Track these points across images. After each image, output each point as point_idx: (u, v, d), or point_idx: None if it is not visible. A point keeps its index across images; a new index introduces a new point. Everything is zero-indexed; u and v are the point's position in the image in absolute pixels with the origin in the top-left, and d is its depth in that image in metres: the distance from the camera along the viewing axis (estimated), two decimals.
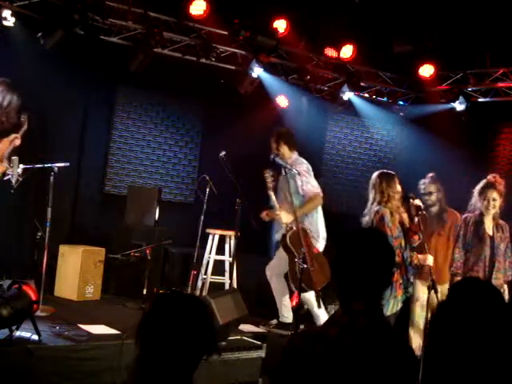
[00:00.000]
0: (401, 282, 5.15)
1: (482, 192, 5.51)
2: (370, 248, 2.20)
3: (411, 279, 5.25)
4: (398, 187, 5.21)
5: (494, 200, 5.46)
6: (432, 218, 5.83)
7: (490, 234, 5.51)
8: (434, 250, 5.65)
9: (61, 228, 7.11)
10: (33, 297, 4.81)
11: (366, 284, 2.15)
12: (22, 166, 5.91)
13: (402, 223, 5.20)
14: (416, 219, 5.16)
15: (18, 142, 6.13)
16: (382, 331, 2.13)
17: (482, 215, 5.51)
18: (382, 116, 9.02)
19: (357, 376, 2.02)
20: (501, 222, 5.57)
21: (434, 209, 5.89)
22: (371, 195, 5.22)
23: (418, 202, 5.21)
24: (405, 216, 5.22)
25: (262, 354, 5.44)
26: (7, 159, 6.04)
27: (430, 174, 5.96)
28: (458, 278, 5.39)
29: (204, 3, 6.93)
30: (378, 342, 2.08)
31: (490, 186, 5.49)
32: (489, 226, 5.52)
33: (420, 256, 5.18)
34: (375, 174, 5.29)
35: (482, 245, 5.48)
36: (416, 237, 5.18)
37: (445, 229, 5.87)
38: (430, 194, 5.85)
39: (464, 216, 5.60)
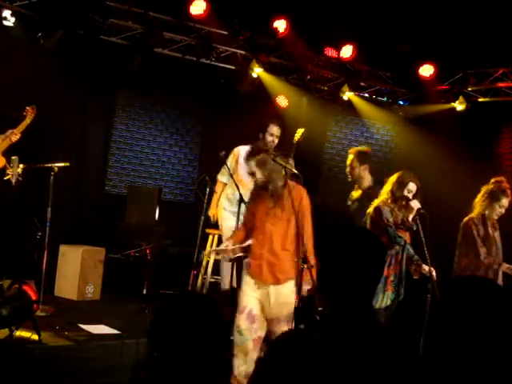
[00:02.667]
0: (392, 279, 5.19)
1: (497, 198, 5.46)
2: (357, 252, 2.11)
3: (403, 280, 5.28)
4: (410, 191, 5.24)
5: (505, 208, 5.47)
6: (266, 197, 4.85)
7: (491, 233, 5.53)
8: (269, 236, 4.64)
9: (61, 228, 7.11)
10: (33, 297, 4.81)
11: (354, 290, 2.12)
12: (21, 165, 5.90)
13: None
14: (410, 217, 5.17)
15: (15, 138, 6.04)
16: (370, 334, 2.11)
17: (483, 216, 5.51)
18: (382, 116, 9.01)
19: (338, 379, 2.00)
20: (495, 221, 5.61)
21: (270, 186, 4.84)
22: (382, 190, 5.32)
23: (415, 203, 5.20)
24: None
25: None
26: (5, 156, 6.01)
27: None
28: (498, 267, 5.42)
29: (204, 3, 6.94)
30: (364, 346, 2.06)
31: (504, 192, 5.46)
32: (489, 225, 5.54)
33: (425, 268, 5.16)
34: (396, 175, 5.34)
35: (491, 244, 5.51)
36: (402, 232, 5.20)
37: (283, 208, 4.74)
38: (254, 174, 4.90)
39: (471, 217, 5.57)
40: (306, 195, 4.73)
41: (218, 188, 6.47)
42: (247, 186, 6.47)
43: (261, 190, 4.69)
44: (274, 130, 6.32)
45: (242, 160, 6.41)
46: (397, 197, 5.24)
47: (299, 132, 6.45)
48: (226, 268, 6.37)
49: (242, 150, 6.36)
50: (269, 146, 6.24)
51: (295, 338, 2.12)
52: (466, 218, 5.57)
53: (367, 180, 6.02)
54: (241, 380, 4.43)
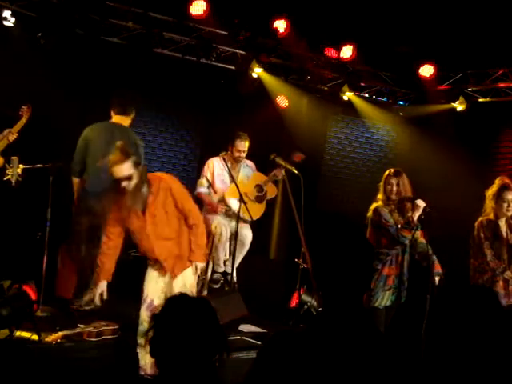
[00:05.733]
0: (393, 279, 5.21)
1: (500, 195, 5.48)
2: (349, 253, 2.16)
3: (405, 282, 5.30)
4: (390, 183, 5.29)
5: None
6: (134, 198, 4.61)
7: (504, 235, 5.53)
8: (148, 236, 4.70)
9: (61, 228, 7.11)
10: (33, 297, 4.82)
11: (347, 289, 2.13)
12: (21, 166, 5.90)
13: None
14: (416, 217, 5.17)
15: (12, 137, 6.04)
16: (361, 333, 2.10)
17: (497, 218, 5.51)
18: (382, 116, 9.01)
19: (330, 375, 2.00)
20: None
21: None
22: (378, 194, 5.37)
23: (420, 202, 5.22)
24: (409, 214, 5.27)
25: None
26: (3, 156, 6.02)
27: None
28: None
29: (204, 3, 6.94)
30: (354, 343, 2.05)
31: (507, 187, 5.48)
32: (503, 228, 5.54)
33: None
34: (385, 173, 5.40)
35: (501, 247, 5.50)
36: (406, 232, 5.20)
37: (154, 205, 4.62)
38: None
39: (480, 220, 5.57)
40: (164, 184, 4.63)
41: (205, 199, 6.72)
42: (222, 196, 6.63)
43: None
44: (241, 145, 6.68)
45: (216, 171, 6.75)
46: (386, 198, 5.29)
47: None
48: (222, 249, 6.61)
49: (215, 161, 6.58)
50: (238, 160, 6.52)
51: (288, 336, 2.12)
52: (477, 221, 5.58)
53: None
54: (147, 370, 4.51)
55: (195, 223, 4.70)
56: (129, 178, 4.42)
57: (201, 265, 4.75)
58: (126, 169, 4.40)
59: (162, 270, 4.78)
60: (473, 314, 1.91)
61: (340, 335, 2.07)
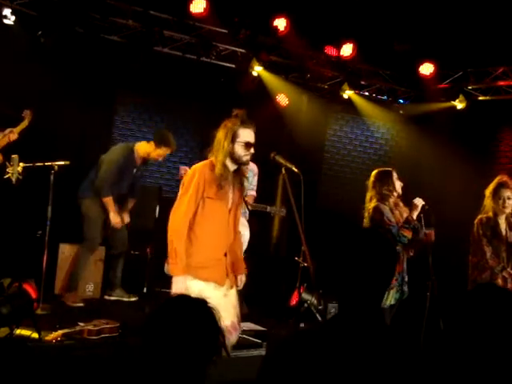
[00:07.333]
0: (396, 277, 5.20)
1: (496, 192, 5.49)
2: (372, 253, 2.13)
3: (406, 279, 5.30)
4: (397, 184, 5.25)
5: (509, 199, 5.47)
6: None
7: (504, 233, 5.53)
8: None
9: (61, 227, 7.11)
10: (33, 295, 4.82)
11: (366, 290, 2.12)
12: (22, 164, 5.90)
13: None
14: (415, 215, 5.17)
15: (13, 137, 6.08)
16: (377, 334, 2.09)
17: (496, 216, 5.51)
18: (382, 114, 9.01)
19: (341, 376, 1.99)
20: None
21: None
22: (368, 194, 5.31)
23: (419, 200, 5.21)
24: (405, 214, 5.24)
25: (262, 352, 5.45)
26: (4, 155, 6.03)
27: None
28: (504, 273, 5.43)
29: (204, 1, 6.94)
30: (369, 345, 2.04)
31: (503, 185, 5.48)
32: (502, 226, 5.54)
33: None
34: (372, 173, 5.37)
35: (499, 245, 5.50)
36: (406, 232, 5.19)
37: (240, 196, 4.61)
38: None
39: (479, 217, 5.58)
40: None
41: None
42: None
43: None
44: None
45: None
46: (384, 193, 5.25)
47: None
48: None
49: None
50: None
51: (298, 336, 2.12)
52: (476, 219, 5.58)
53: None
54: None
55: (239, 231, 4.44)
56: (254, 147, 4.23)
57: (244, 278, 4.40)
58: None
59: (224, 277, 4.27)
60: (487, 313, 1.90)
61: (357, 336, 2.05)
